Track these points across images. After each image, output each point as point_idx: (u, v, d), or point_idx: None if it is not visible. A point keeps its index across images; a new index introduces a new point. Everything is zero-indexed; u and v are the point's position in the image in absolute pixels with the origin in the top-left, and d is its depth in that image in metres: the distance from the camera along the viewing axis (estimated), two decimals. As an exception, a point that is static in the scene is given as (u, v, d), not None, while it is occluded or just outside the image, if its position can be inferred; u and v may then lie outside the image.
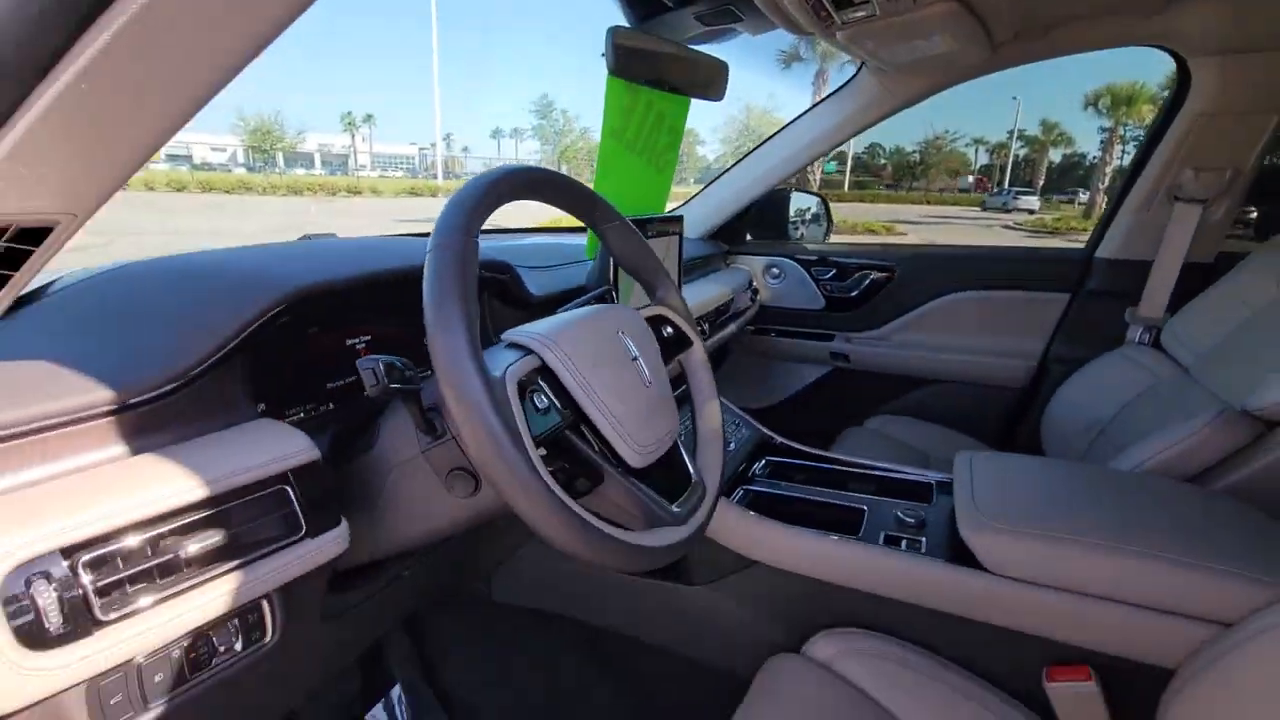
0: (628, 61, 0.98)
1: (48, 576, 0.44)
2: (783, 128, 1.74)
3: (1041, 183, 34.68)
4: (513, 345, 0.60)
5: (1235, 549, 0.80)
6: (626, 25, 1.08)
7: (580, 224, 0.76)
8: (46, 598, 0.44)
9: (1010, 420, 1.78)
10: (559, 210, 0.71)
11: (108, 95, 0.35)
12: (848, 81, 1.60)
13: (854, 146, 37.94)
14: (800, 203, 2.24)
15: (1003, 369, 1.75)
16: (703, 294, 1.51)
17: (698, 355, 0.81)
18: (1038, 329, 1.72)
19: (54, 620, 0.44)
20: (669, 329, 0.79)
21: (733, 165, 1.88)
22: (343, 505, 0.63)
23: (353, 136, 49.46)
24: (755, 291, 1.95)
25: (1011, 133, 38.32)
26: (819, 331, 1.96)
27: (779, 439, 1.29)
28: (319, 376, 0.73)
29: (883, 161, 43.29)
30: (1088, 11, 1.30)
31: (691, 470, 0.72)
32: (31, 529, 0.44)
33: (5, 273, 0.44)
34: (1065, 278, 1.69)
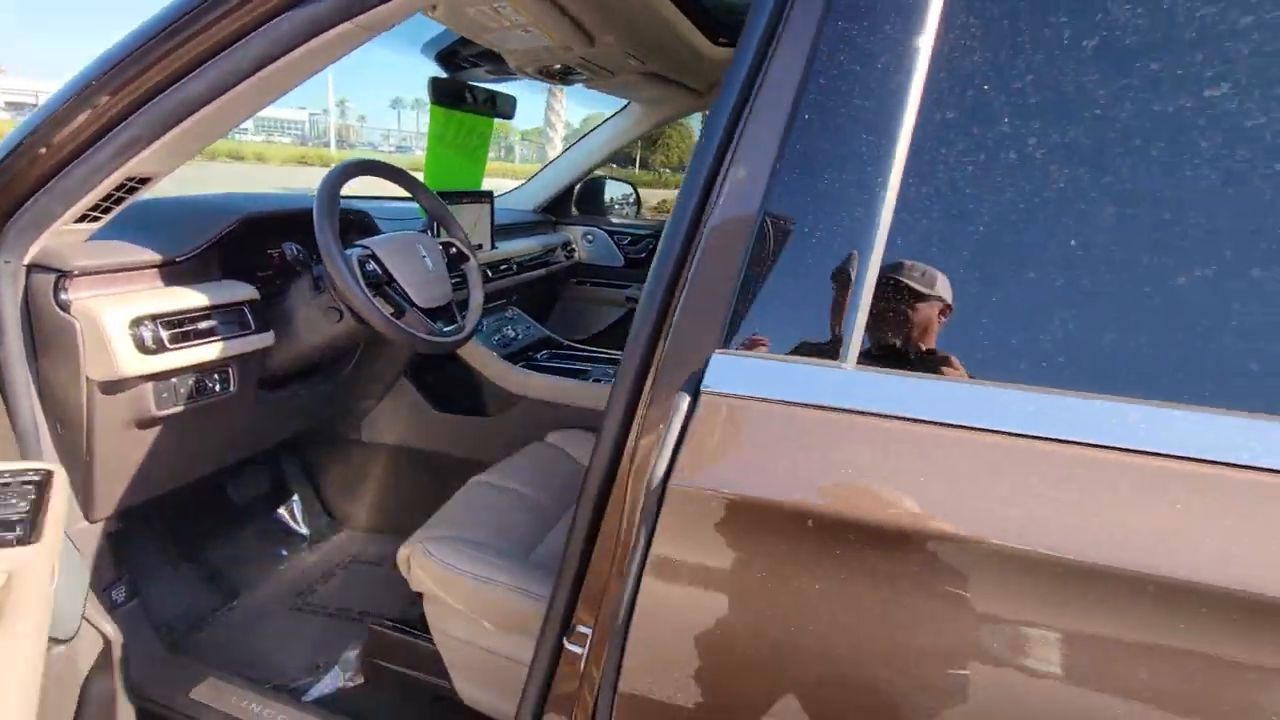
0: (444, 97, 1.65)
1: (145, 325, 1.06)
2: (583, 136, 2.46)
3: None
4: (358, 245, 1.26)
5: None
6: (444, 75, 1.74)
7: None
8: (146, 333, 1.06)
9: None
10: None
11: (214, 117, 0.97)
12: (622, 108, 2.33)
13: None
14: (617, 189, 2.98)
15: None
16: (518, 246, 2.20)
17: (472, 264, 1.49)
18: None
19: (149, 343, 1.07)
20: (454, 249, 1.47)
21: (555, 158, 2.58)
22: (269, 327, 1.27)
23: (233, 96, 45.74)
24: (572, 250, 2.66)
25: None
26: (619, 283, 2.71)
27: (560, 339, 2.01)
28: (248, 268, 1.35)
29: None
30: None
31: (459, 318, 1.41)
32: (138, 305, 1.06)
33: (124, 197, 1.05)
34: None
